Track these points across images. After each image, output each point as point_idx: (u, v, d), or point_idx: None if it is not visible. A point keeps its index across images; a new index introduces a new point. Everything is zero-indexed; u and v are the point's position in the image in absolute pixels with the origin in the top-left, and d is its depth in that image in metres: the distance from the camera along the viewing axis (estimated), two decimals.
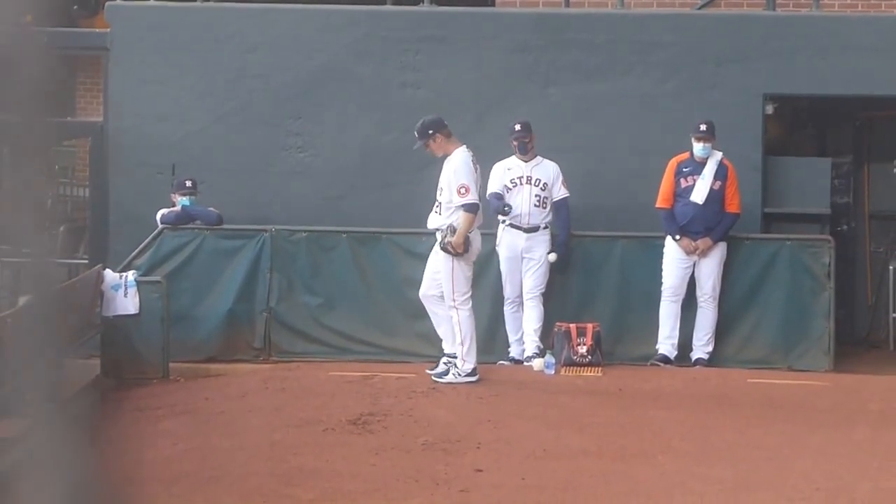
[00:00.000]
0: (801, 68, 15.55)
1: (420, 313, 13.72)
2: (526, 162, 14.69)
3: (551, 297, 14.68)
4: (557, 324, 14.36)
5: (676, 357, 14.60)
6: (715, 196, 14.63)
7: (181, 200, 15.13)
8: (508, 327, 14.72)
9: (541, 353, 14.15)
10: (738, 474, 10.08)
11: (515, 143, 14.69)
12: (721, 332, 14.75)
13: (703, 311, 14.67)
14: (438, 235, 13.20)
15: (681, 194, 14.70)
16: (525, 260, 14.58)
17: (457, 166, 13.14)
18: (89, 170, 17.30)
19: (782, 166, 15.65)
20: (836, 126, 17.47)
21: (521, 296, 14.59)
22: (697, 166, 14.69)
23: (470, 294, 13.22)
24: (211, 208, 15.20)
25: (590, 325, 14.26)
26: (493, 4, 17.33)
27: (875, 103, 16.48)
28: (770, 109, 15.54)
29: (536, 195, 14.62)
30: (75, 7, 17.79)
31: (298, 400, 12.59)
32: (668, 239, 14.69)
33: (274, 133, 15.81)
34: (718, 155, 14.70)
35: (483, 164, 13.73)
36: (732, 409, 12.51)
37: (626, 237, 14.98)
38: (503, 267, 14.63)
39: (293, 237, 15.07)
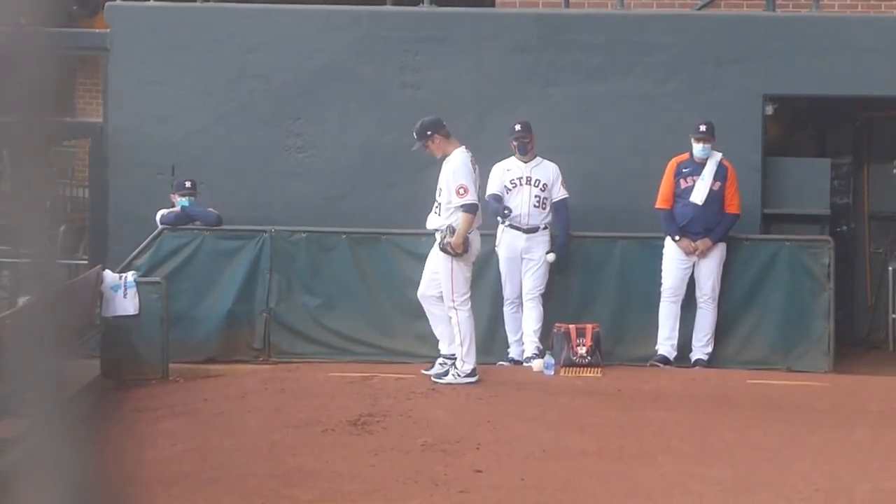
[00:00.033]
0: (800, 69, 15.55)
1: (420, 314, 13.72)
2: (525, 163, 14.69)
3: (551, 298, 14.68)
4: (557, 324, 14.36)
5: (676, 358, 14.59)
6: (714, 197, 14.63)
7: (180, 201, 15.12)
8: (508, 328, 14.72)
9: (540, 354, 14.15)
10: (738, 475, 10.08)
11: (515, 143, 14.69)
12: (720, 332, 14.75)
13: (703, 311, 14.67)
14: (438, 236, 13.20)
15: (680, 195, 14.70)
16: (524, 260, 14.57)
17: (456, 167, 13.15)
18: (89, 170, 17.30)
19: (782, 167, 15.65)
20: (836, 127, 17.47)
21: (520, 296, 14.59)
22: (697, 167, 14.69)
23: (469, 295, 13.22)
24: (210, 209, 15.19)
25: (589, 326, 14.26)
26: (493, 5, 17.33)
27: (875, 104, 16.48)
28: (770, 110, 15.54)
29: (536, 196, 14.62)
30: (75, 7, 17.79)
31: (298, 400, 12.59)
32: (668, 240, 14.69)
33: (274, 133, 15.81)
34: (718, 155, 14.70)
35: (483, 164, 13.74)
36: (732, 409, 12.51)
37: (625, 238, 14.98)
38: (503, 267, 14.63)
39: (293, 238, 15.07)
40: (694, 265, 14.67)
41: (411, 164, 14.69)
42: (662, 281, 14.65)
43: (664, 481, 9.93)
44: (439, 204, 13.24)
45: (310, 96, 15.78)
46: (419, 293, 13.48)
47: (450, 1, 16.45)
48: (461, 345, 13.12)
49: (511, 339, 14.67)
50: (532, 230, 14.58)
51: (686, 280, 14.66)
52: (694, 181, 14.67)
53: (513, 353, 14.65)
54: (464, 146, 13.32)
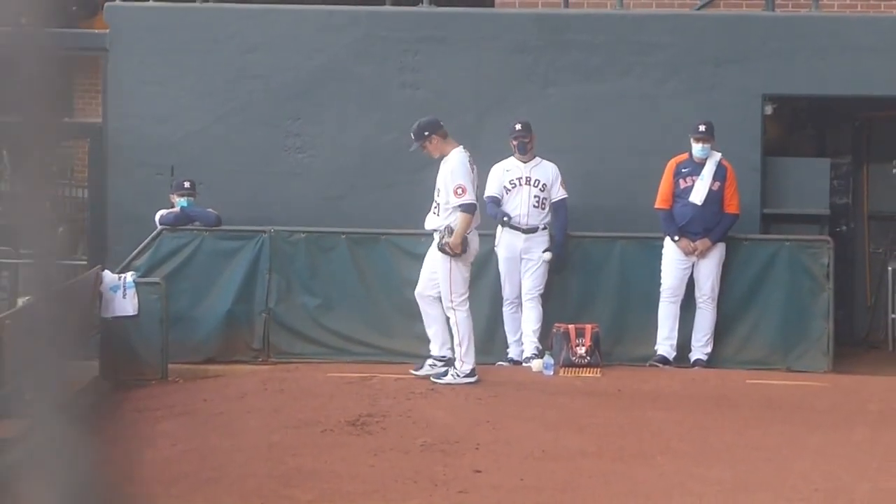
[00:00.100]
0: (800, 69, 15.55)
1: (419, 314, 13.71)
2: (525, 163, 14.69)
3: (550, 298, 14.68)
4: (556, 325, 14.36)
5: (675, 358, 14.59)
6: (714, 197, 14.63)
7: (179, 201, 15.12)
8: (507, 328, 14.72)
9: (539, 354, 14.15)
10: (737, 475, 10.08)
11: (515, 142, 14.69)
12: (720, 332, 14.75)
13: (702, 311, 14.67)
14: (436, 236, 13.20)
15: (680, 195, 14.70)
16: (524, 261, 14.57)
17: (453, 167, 13.14)
18: (88, 171, 17.29)
19: (781, 167, 15.65)
20: (836, 126, 17.46)
21: (519, 296, 14.59)
22: (696, 167, 14.69)
23: (468, 295, 13.22)
24: (210, 209, 15.19)
25: (588, 326, 14.26)
26: (492, 5, 17.33)
27: (874, 104, 16.47)
28: (769, 110, 15.54)
29: (535, 196, 14.62)
30: (74, 7, 17.78)
31: (297, 401, 12.58)
32: (667, 240, 14.69)
33: (273, 133, 15.81)
34: (717, 155, 14.70)
35: (482, 164, 13.74)
36: (731, 409, 12.51)
37: (625, 238, 14.98)
38: (502, 267, 14.63)
39: (292, 238, 15.06)
40: (693, 265, 14.67)
41: (410, 165, 14.68)
42: (662, 281, 14.65)
43: (663, 481, 9.92)
44: (438, 204, 13.24)
45: (309, 96, 15.78)
46: (417, 292, 13.46)
47: (449, 1, 16.44)
48: (460, 345, 13.12)
49: (510, 339, 14.67)
50: (531, 230, 14.58)
51: (685, 280, 14.66)
52: (693, 181, 14.66)
53: (512, 353, 14.64)
54: (461, 146, 13.31)
